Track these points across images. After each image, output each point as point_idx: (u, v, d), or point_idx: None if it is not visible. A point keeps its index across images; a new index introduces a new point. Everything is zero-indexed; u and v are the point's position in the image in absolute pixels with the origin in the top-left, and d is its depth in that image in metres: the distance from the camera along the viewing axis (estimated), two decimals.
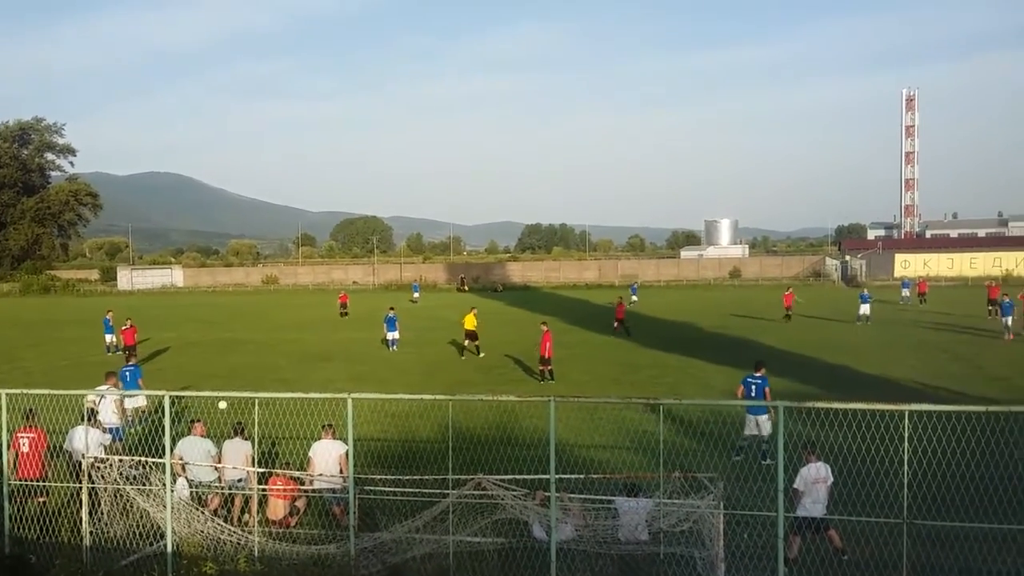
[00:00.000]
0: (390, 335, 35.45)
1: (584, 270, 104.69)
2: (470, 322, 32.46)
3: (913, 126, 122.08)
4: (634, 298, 58.85)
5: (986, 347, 31.81)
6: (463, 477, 10.64)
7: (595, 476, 11.88)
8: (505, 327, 44.49)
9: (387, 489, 11.68)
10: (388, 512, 11.64)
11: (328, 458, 12.44)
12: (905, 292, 57.97)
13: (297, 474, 12.48)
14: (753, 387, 16.45)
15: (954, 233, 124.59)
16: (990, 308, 42.69)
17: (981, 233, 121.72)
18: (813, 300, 61.81)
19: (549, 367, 25.96)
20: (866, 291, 47.39)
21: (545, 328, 26.61)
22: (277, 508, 12.23)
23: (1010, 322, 34.64)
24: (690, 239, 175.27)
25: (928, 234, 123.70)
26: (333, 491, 12.21)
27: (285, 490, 12.22)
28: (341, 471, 12.10)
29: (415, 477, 11.45)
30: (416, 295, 70.78)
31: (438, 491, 10.88)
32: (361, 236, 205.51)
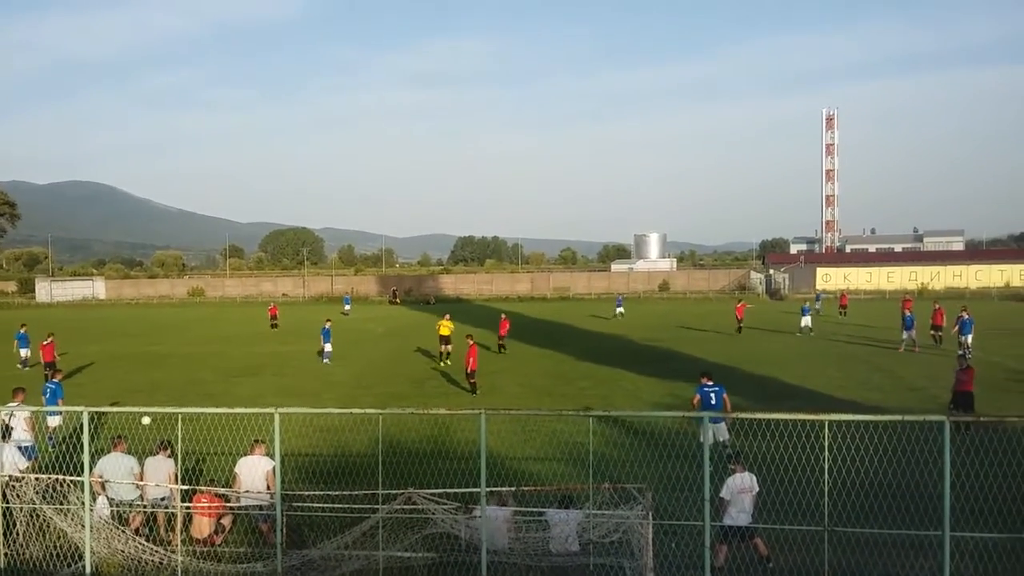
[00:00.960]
0: (327, 347, 35.05)
1: (517, 283, 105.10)
2: (445, 328, 33.82)
3: (833, 144, 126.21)
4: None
5: (904, 358, 32.93)
6: (393, 492, 10.57)
7: (526, 488, 11.93)
8: (437, 340, 44.31)
9: (316, 505, 11.52)
10: (317, 528, 11.48)
11: (255, 474, 12.21)
12: (818, 304, 60.05)
13: (223, 491, 12.22)
14: (712, 395, 16.81)
15: (872, 248, 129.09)
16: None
17: (898, 248, 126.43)
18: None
19: (473, 380, 26.04)
20: (807, 304, 48.75)
21: (471, 342, 26.66)
22: (202, 526, 11.94)
23: (911, 335, 35.57)
24: (621, 252, 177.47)
25: (848, 248, 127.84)
26: (260, 508, 12.00)
27: (210, 507, 11.95)
28: (269, 487, 11.90)
29: (344, 492, 11.32)
30: (347, 307, 70.08)
31: (368, 506, 10.78)
32: (291, 247, 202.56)
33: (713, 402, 16.63)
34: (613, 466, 15.00)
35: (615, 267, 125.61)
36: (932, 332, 37.11)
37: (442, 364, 33.02)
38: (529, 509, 11.33)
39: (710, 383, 17.06)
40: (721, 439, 16.02)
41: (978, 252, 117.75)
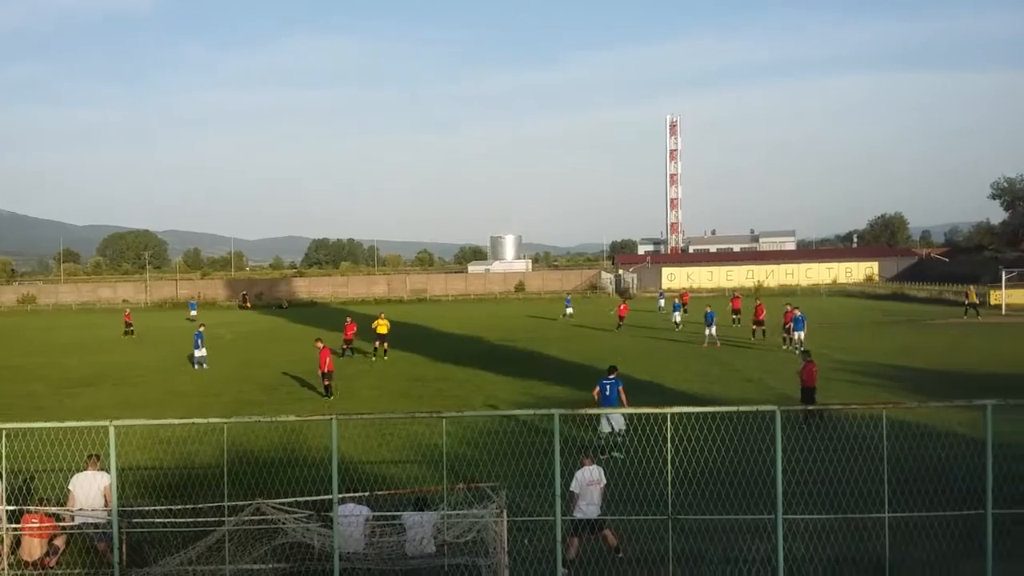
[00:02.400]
0: (198, 352, 33.90)
1: (373, 285, 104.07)
2: (382, 327, 35.50)
3: (676, 150, 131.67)
4: (569, 310, 59.27)
5: (741, 352, 34.78)
6: (240, 503, 10.24)
7: (380, 493, 11.84)
8: (290, 344, 43.28)
9: (158, 520, 11.02)
10: (159, 545, 10.97)
11: (90, 491, 11.53)
12: (661, 303, 63.09)
13: (55, 510, 11.48)
14: (608, 387, 17.58)
15: (713, 248, 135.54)
16: (734, 317, 47.10)
17: (737, 248, 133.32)
18: (590, 311, 64.90)
19: (328, 382, 25.70)
20: (677, 300, 50.55)
21: (321, 345, 26.25)
22: (33, 548, 11.17)
23: (710, 332, 37.32)
24: (477, 254, 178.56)
25: (691, 249, 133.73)
26: (97, 526, 11.34)
27: (41, 528, 11.20)
28: (106, 504, 11.27)
29: (188, 507, 10.88)
30: (193, 313, 67.26)
31: (214, 519, 10.41)
32: (132, 251, 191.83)
33: (608, 393, 17.55)
34: (468, 466, 15.11)
35: (472, 268, 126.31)
36: (754, 327, 39.21)
37: (373, 359, 34.82)
38: (384, 513, 11.24)
39: (612, 376, 17.92)
40: (617, 428, 16.68)
41: (808, 252, 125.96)
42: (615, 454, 16.04)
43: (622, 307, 50.55)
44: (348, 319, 38.65)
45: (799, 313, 34.34)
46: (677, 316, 46.76)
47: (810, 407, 18.06)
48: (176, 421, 11.07)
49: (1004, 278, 55.30)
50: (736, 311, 47.63)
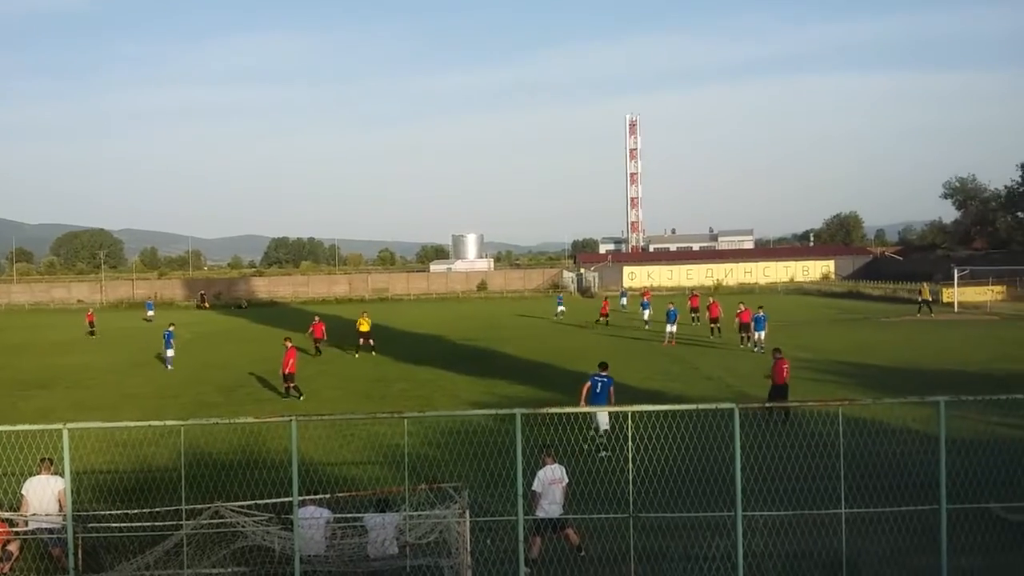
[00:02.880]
0: (168, 352, 33.85)
1: (334, 284, 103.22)
2: (364, 325, 37.00)
3: (636, 149, 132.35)
4: (560, 308, 58.47)
5: (701, 351, 35.11)
6: (199, 507, 10.10)
7: (341, 494, 11.76)
8: (249, 344, 42.83)
9: (114, 525, 10.82)
10: (115, 550, 10.78)
11: (44, 495, 11.28)
12: (623, 300, 64.07)
13: (8, 515, 11.22)
14: (599, 384, 17.62)
15: (673, 247, 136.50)
16: (693, 315, 47.55)
17: (696, 247, 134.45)
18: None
19: (293, 384, 25.44)
20: (646, 298, 50.35)
21: (289, 344, 25.99)
22: None
23: (671, 329, 37.69)
24: (439, 253, 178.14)
25: (651, 248, 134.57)
26: (51, 531, 11.11)
27: None
28: (61, 508, 11.04)
29: (144, 511, 10.70)
30: (150, 313, 66.22)
31: (172, 523, 10.25)
32: (87, 251, 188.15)
33: (598, 390, 17.59)
34: (431, 466, 15.07)
35: (434, 268, 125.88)
36: (712, 325, 39.68)
37: (356, 356, 35.95)
38: (346, 515, 11.17)
39: (603, 374, 17.96)
40: (602, 428, 16.73)
41: (766, 250, 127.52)
42: (602, 454, 16.08)
43: (605, 303, 51.96)
44: (316, 318, 38.63)
45: (761, 313, 34.27)
46: (647, 314, 47.00)
47: (772, 405, 18.26)
48: (132, 424, 10.85)
49: (956, 276, 56.49)
50: (695, 310, 48.11)
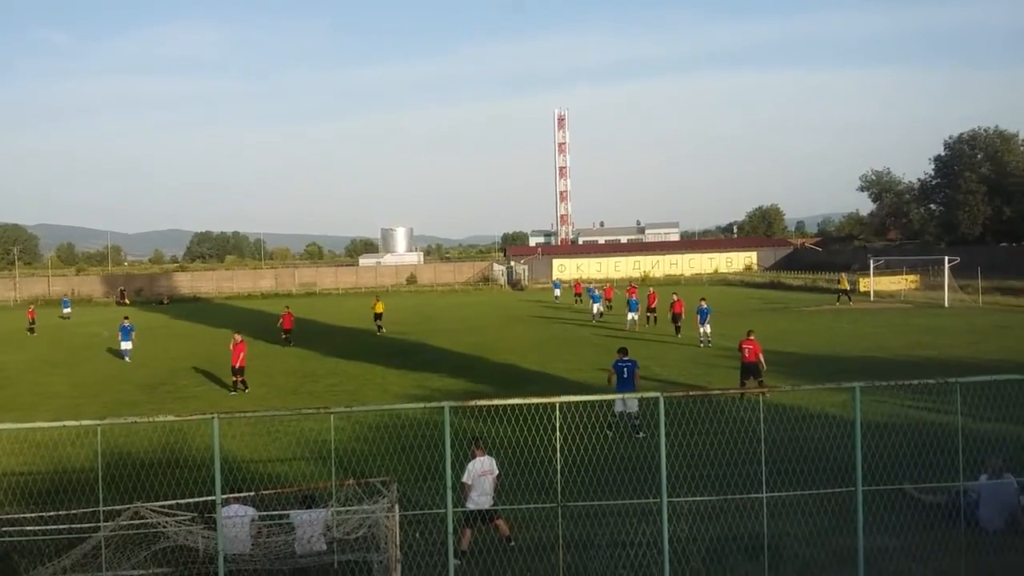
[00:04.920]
0: (124, 345, 34.09)
1: (260, 279, 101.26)
2: (379, 307, 44.62)
3: (565, 143, 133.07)
4: (557, 292, 65.62)
5: (630, 342, 35.54)
6: (118, 508, 9.81)
7: (267, 492, 11.57)
8: (172, 341, 41.76)
9: (29, 528, 10.44)
10: (30, 554, 10.40)
11: None
12: (557, 292, 65.44)
13: None
14: (624, 369, 17.90)
15: (602, 240, 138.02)
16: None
17: (624, 239, 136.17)
18: (485, 302, 65.18)
19: (242, 377, 25.59)
20: (596, 291, 50.14)
21: (239, 339, 26.18)
22: None
23: (632, 316, 39.90)
24: (368, 247, 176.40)
25: (580, 240, 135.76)
26: None
27: None
28: None
29: (61, 512, 10.35)
30: (67, 311, 63.93)
31: (90, 525, 9.94)
32: (0, 246, 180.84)
33: (625, 375, 17.88)
34: (359, 461, 14.94)
35: (363, 261, 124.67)
36: (648, 314, 41.31)
37: (378, 333, 42.43)
38: (271, 512, 10.99)
39: (625, 358, 18.26)
40: (631, 410, 16.94)
41: (691, 242, 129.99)
42: (639, 435, 16.47)
43: (577, 286, 56.30)
44: (286, 308, 41.09)
45: (704, 305, 33.79)
46: (597, 307, 47.27)
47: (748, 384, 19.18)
48: (46, 424, 10.44)
49: (872, 266, 58.49)
50: (628, 301, 48.71)
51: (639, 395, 15.72)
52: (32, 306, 57.55)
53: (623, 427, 17.34)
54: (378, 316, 44.06)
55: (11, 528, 10.51)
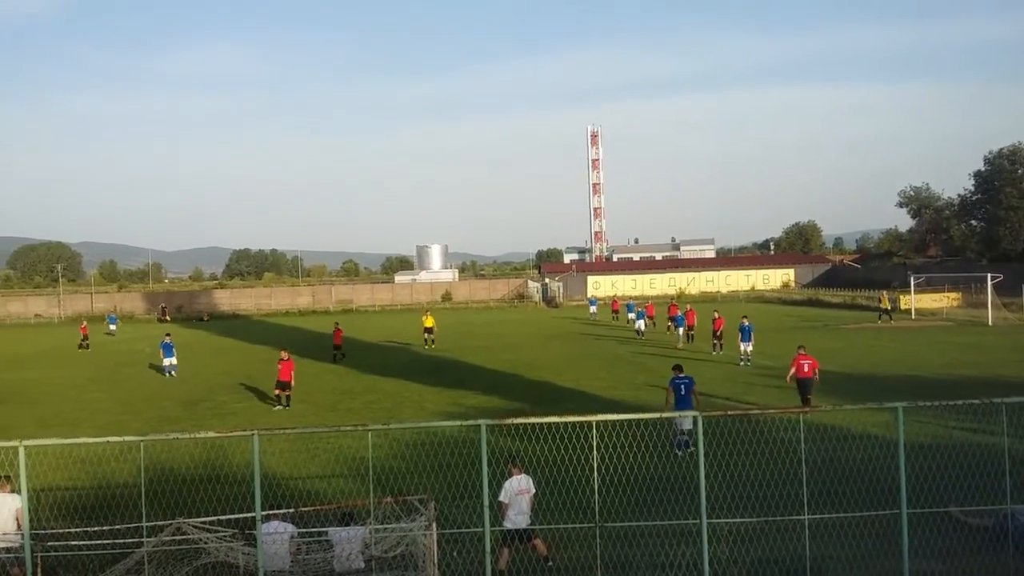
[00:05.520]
0: (167, 361, 34.72)
1: (297, 296, 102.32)
2: (429, 321, 46.17)
3: (598, 159, 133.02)
4: (593, 309, 65.62)
5: (664, 359, 35.31)
6: (160, 523, 9.94)
7: (305, 508, 11.65)
8: (212, 357, 42.30)
9: (74, 543, 10.61)
10: (75, 568, 10.57)
11: (1, 514, 11.04)
12: (593, 309, 65.34)
13: None
14: (682, 386, 18.02)
15: (636, 257, 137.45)
16: (669, 323, 47.77)
17: (659, 256, 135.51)
18: (520, 320, 65.20)
19: (287, 392, 25.91)
20: (641, 308, 50.19)
21: (286, 356, 26.47)
22: None
23: (682, 332, 40.81)
24: (404, 264, 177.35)
25: (615, 258, 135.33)
26: (9, 550, 10.86)
27: None
28: (19, 527, 10.81)
29: (105, 528, 10.51)
30: (112, 327, 65.07)
31: (133, 540, 10.08)
32: (44, 264, 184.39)
33: (683, 392, 17.96)
34: (396, 479, 14.99)
35: (398, 278, 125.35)
36: (688, 331, 41.35)
37: (427, 348, 43.64)
38: (310, 529, 11.06)
39: (681, 375, 18.36)
40: (686, 427, 16.80)
41: (727, 259, 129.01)
42: (690, 450, 16.30)
43: (615, 303, 57.22)
44: (336, 324, 42.47)
45: (747, 323, 32.91)
46: (641, 324, 47.33)
47: (805, 405, 19.55)
48: (90, 440, 10.66)
49: (913, 283, 57.57)
50: (672, 318, 48.28)
51: (675, 414, 15.61)
52: (84, 322, 58.57)
53: (691, 446, 16.90)
54: (428, 330, 45.49)
55: (57, 543, 10.67)
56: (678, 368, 19.09)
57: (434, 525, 10.39)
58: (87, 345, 50.79)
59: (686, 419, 17.04)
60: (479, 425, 9.59)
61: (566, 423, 9.76)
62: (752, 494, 12.68)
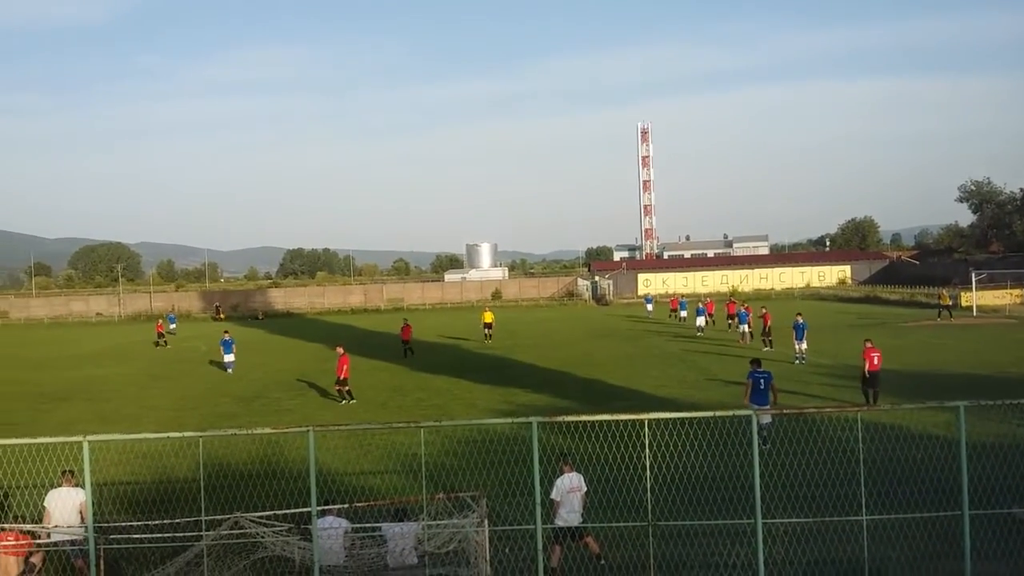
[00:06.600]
0: (227, 358, 35.71)
1: (349, 295, 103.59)
2: (488, 317, 47.48)
3: (648, 156, 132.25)
4: (649, 307, 65.01)
5: (717, 357, 34.96)
6: (219, 517, 10.14)
7: (360, 504, 11.78)
8: (266, 355, 43.01)
9: (135, 536, 10.87)
10: (137, 561, 10.85)
11: (66, 507, 11.37)
12: (649, 307, 64.59)
13: (30, 527, 11.31)
14: (762, 380, 18.24)
15: (688, 254, 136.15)
16: (729, 321, 47.07)
17: (710, 253, 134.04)
18: (570, 318, 65.07)
19: (347, 388, 26.52)
20: (701, 305, 50.03)
21: (342, 351, 27.10)
22: (9, 566, 10.99)
23: (745, 328, 39.86)
24: (453, 262, 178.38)
25: (666, 255, 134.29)
26: (73, 543, 11.19)
27: (17, 546, 11.03)
28: (83, 520, 11.12)
29: (165, 521, 10.75)
30: (172, 326, 66.53)
31: (192, 534, 10.30)
32: (104, 264, 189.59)
33: (762, 387, 18.16)
34: (448, 475, 15.07)
35: (448, 277, 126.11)
36: (765, 336, 38.55)
37: (486, 343, 44.85)
38: (364, 525, 11.18)
39: (760, 369, 18.52)
40: (764, 422, 16.94)
41: (781, 256, 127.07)
42: (766, 446, 16.29)
43: (673, 301, 56.78)
44: (405, 320, 43.21)
45: (800, 320, 32.30)
46: (700, 320, 47.12)
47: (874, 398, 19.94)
48: (151, 435, 10.93)
49: (974, 280, 56.05)
50: (732, 315, 47.63)
51: (730, 412, 15.39)
52: (161, 320, 59.73)
53: (771, 439, 16.77)
54: (488, 326, 46.69)
55: (119, 536, 10.95)
56: (756, 362, 19.07)
57: (486, 522, 10.42)
58: (165, 343, 51.86)
59: (765, 415, 17.11)
60: (531, 423, 9.60)
61: (618, 421, 9.71)
62: (808, 494, 12.47)
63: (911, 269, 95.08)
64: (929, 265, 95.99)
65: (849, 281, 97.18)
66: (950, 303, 51.49)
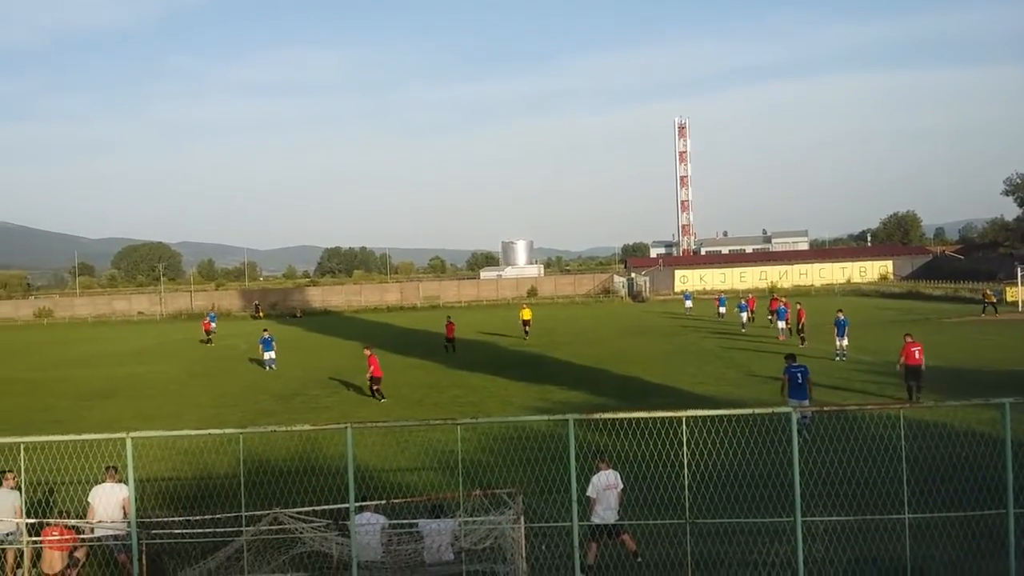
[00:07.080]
0: (267, 355, 36.25)
1: (386, 293, 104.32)
2: (527, 313, 48.04)
3: (686, 152, 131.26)
4: (688, 304, 64.88)
5: (755, 354, 34.60)
6: (258, 513, 10.26)
7: (396, 500, 11.85)
8: (304, 353, 43.42)
9: (177, 531, 11.04)
10: (178, 556, 11.01)
11: (110, 503, 11.59)
12: (688, 303, 63.97)
13: (75, 522, 11.54)
14: (799, 375, 18.49)
15: (725, 250, 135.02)
16: (769, 317, 46.50)
17: (749, 249, 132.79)
18: (606, 314, 64.82)
19: (378, 387, 26.82)
20: (743, 301, 49.83)
21: (369, 352, 27.39)
22: (54, 561, 11.22)
23: (783, 325, 39.71)
24: (489, 260, 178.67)
25: (703, 251, 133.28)
26: (117, 538, 11.40)
27: (62, 540, 11.25)
28: (126, 515, 11.32)
29: (206, 516, 10.90)
30: (213, 325, 67.47)
31: (232, 529, 10.43)
32: (146, 263, 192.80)
33: (800, 381, 18.37)
34: (485, 472, 15.09)
35: (484, 274, 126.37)
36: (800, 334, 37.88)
37: (525, 339, 45.03)
38: (401, 521, 11.25)
39: (796, 364, 18.69)
40: (802, 416, 17.08)
41: (821, 251, 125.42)
42: (804, 434, 16.33)
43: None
44: (448, 318, 44.35)
45: (841, 316, 31.90)
46: (744, 316, 46.93)
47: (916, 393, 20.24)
48: (192, 432, 11.12)
49: (1020, 275, 54.82)
50: (773, 311, 47.07)
51: (769, 409, 15.22)
52: (207, 318, 60.51)
53: (811, 433, 16.75)
54: (526, 322, 47.09)
55: (160, 531, 11.12)
56: (791, 357, 19.08)
57: (522, 519, 10.42)
58: (210, 340, 52.42)
59: (805, 410, 16.93)
60: (567, 420, 9.58)
61: (655, 418, 9.65)
62: (849, 492, 12.31)
63: (955, 264, 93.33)
64: (974, 260, 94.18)
65: (891, 276, 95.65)
66: (995, 299, 50.42)
